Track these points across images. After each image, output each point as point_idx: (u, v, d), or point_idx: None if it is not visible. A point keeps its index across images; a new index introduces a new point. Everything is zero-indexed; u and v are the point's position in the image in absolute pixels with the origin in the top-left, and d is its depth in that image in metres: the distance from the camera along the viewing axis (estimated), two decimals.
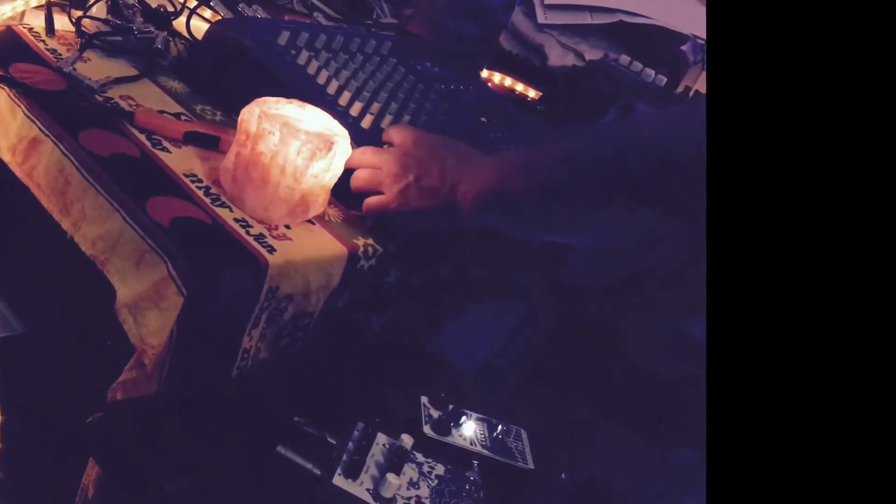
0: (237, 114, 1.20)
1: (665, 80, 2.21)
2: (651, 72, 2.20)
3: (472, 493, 1.18)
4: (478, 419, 1.32)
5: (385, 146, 1.35)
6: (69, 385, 1.28)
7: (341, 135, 1.22)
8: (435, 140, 1.34)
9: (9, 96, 1.20)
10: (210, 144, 1.28)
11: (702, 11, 2.43)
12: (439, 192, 1.28)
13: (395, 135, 1.34)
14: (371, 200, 1.30)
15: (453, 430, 1.29)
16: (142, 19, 1.50)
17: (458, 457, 1.24)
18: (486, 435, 1.31)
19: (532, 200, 1.26)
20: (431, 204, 1.29)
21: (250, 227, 1.17)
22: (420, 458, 1.20)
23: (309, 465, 1.11)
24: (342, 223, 1.29)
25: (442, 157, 1.30)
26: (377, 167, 1.30)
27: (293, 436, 1.13)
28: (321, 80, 1.44)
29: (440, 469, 1.20)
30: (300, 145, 1.16)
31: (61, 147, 1.14)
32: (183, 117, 1.34)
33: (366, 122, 1.39)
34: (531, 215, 1.30)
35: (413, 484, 1.15)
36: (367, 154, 1.31)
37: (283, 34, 1.47)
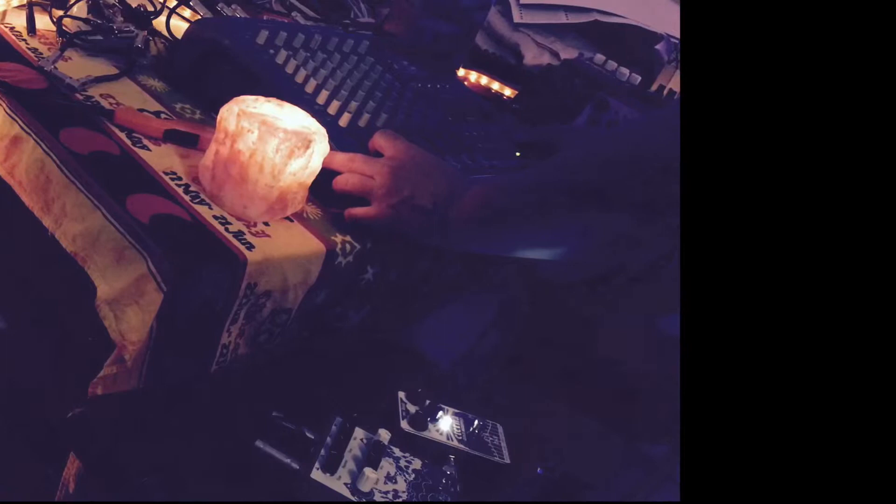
0: (216, 112, 1.20)
1: (639, 78, 2.23)
2: (626, 71, 2.21)
3: (448, 488, 1.19)
4: (454, 414, 1.33)
5: (373, 153, 1.36)
6: (50, 380, 1.28)
7: (319, 133, 1.23)
8: (429, 159, 1.35)
9: None
10: (189, 142, 1.29)
11: (676, 11, 2.45)
12: (429, 212, 1.29)
13: (388, 146, 1.34)
14: (358, 211, 1.31)
15: (430, 425, 1.30)
16: (122, 19, 1.50)
17: (435, 451, 1.25)
18: (463, 430, 1.32)
19: (513, 215, 1.28)
20: (419, 222, 1.30)
21: (229, 224, 1.18)
22: (397, 452, 1.21)
23: (287, 460, 1.12)
24: (320, 220, 1.30)
25: (436, 180, 1.31)
26: (369, 176, 1.31)
27: (271, 430, 1.14)
28: (299, 78, 1.44)
29: (417, 463, 1.21)
30: (278, 143, 1.16)
31: (42, 145, 1.14)
32: (163, 115, 1.34)
33: (343, 121, 1.40)
34: (513, 233, 1.32)
35: (390, 478, 1.17)
36: (358, 162, 1.32)
37: (261, 33, 1.48)
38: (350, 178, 1.31)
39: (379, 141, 1.36)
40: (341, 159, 1.31)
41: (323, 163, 1.25)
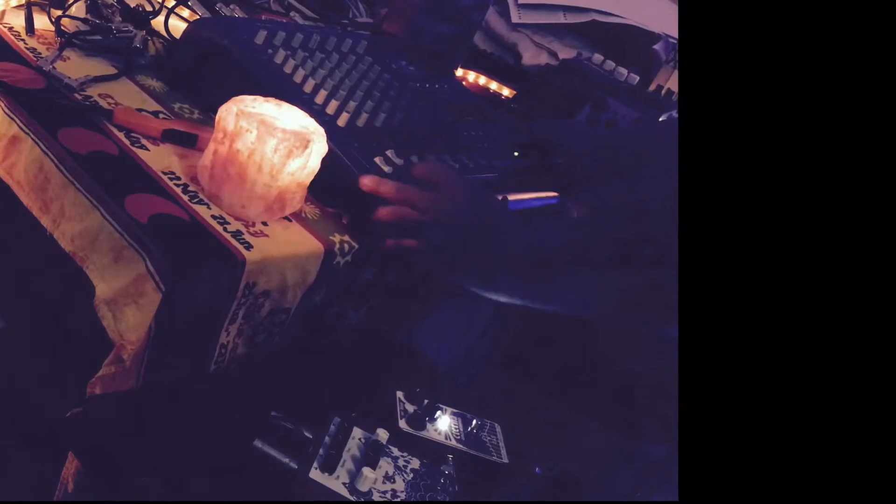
0: (215, 112, 1.20)
1: (637, 78, 2.23)
2: (624, 70, 2.22)
3: (446, 487, 1.19)
4: (453, 414, 1.33)
5: (417, 178, 1.35)
6: (49, 380, 1.28)
7: (317, 133, 1.23)
8: (484, 204, 1.37)
9: None
10: (188, 142, 1.29)
11: (674, 11, 2.46)
12: (475, 257, 1.32)
13: (442, 180, 1.34)
14: (407, 243, 1.31)
15: (428, 425, 1.30)
16: (120, 18, 1.50)
17: (433, 451, 1.25)
18: (461, 429, 1.32)
19: (558, 269, 1.29)
20: (463, 264, 1.33)
21: (228, 223, 1.18)
22: (395, 452, 1.21)
23: (286, 460, 1.12)
24: (319, 220, 1.30)
25: (487, 226, 1.33)
26: (421, 210, 1.30)
27: (270, 430, 1.15)
28: (297, 78, 1.45)
29: (415, 463, 1.21)
30: (277, 143, 1.16)
31: (41, 145, 1.14)
32: (161, 115, 1.34)
33: (341, 120, 1.40)
34: (556, 288, 1.33)
35: (388, 478, 1.17)
36: (409, 193, 1.31)
37: (260, 33, 1.48)
38: (401, 212, 1.30)
39: (428, 173, 1.35)
40: (390, 189, 1.30)
41: (368, 188, 1.26)
